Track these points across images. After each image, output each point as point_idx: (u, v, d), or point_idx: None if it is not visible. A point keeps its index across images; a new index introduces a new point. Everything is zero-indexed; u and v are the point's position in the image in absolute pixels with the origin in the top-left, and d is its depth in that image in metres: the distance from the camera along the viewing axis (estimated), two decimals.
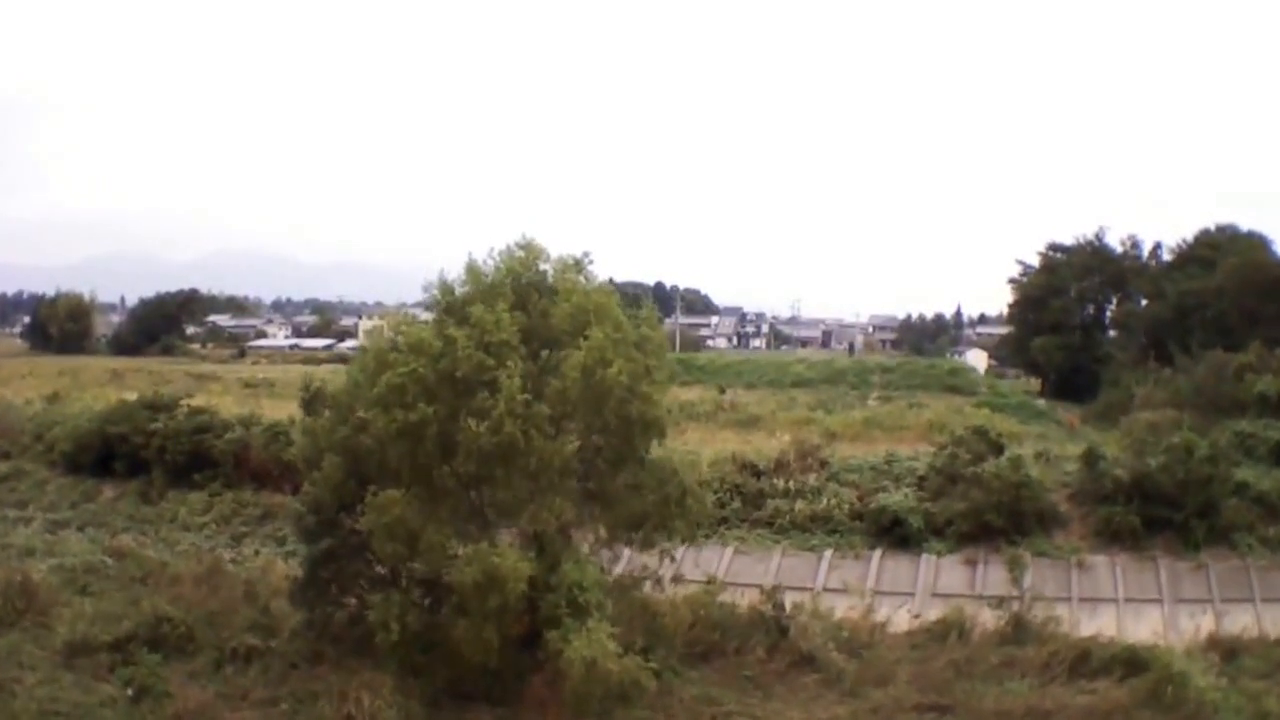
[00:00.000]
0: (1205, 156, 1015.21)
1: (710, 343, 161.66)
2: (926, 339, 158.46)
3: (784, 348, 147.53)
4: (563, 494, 22.88)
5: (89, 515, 43.13)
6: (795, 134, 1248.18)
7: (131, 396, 58.86)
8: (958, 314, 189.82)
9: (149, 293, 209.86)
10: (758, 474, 38.19)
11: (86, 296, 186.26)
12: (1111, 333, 70.70)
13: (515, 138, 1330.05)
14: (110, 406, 47.82)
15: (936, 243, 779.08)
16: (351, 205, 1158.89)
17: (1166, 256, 72.96)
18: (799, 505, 36.28)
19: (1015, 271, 77.99)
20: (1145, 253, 73.45)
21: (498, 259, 24.59)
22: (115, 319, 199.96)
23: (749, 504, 36.95)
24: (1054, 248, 75.41)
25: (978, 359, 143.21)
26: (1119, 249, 73.12)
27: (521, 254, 24.38)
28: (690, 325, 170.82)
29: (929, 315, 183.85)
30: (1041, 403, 63.53)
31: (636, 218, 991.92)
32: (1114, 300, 73.09)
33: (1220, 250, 62.27)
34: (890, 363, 62.07)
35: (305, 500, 26.42)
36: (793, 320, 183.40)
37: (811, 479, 37.57)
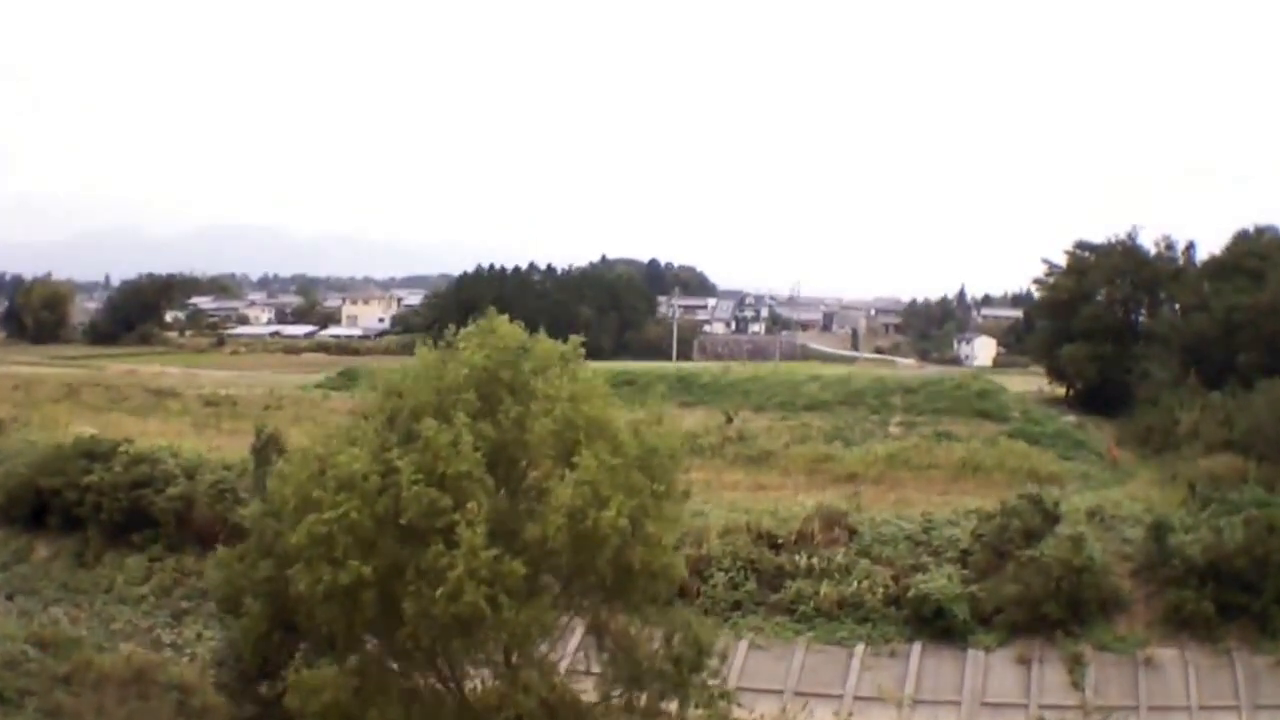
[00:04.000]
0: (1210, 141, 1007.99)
1: (707, 328, 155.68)
2: (932, 324, 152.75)
3: (784, 333, 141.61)
4: (542, 669, 17.65)
5: (19, 579, 39.26)
6: (796, 111, 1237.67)
7: (82, 423, 54.74)
8: (961, 294, 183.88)
9: (137, 268, 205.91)
10: (776, 546, 33.15)
11: (67, 279, 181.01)
12: (1144, 341, 64.90)
13: (510, 108, 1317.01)
14: (44, 454, 42.59)
15: (938, 217, 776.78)
16: (342, 176, 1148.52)
17: (1201, 255, 68.11)
18: (824, 588, 31.57)
19: (1040, 270, 73.07)
20: (1179, 252, 68.05)
21: (456, 341, 19.14)
22: (93, 305, 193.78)
23: (766, 585, 32.33)
24: (1082, 246, 69.84)
25: (986, 347, 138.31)
26: (1152, 250, 67.62)
27: (489, 341, 18.78)
28: (686, 307, 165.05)
29: (933, 297, 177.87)
30: (1072, 419, 58.48)
31: (632, 191, 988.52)
32: (1145, 305, 67.50)
33: (1269, 261, 56.90)
34: (913, 381, 56.52)
35: (226, 645, 21.33)
36: (792, 301, 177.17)
37: (839, 555, 32.56)
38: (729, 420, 50.74)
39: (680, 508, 19.12)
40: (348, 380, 67.44)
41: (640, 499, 17.35)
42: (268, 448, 42.03)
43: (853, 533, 33.71)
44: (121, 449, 42.08)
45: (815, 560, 32.34)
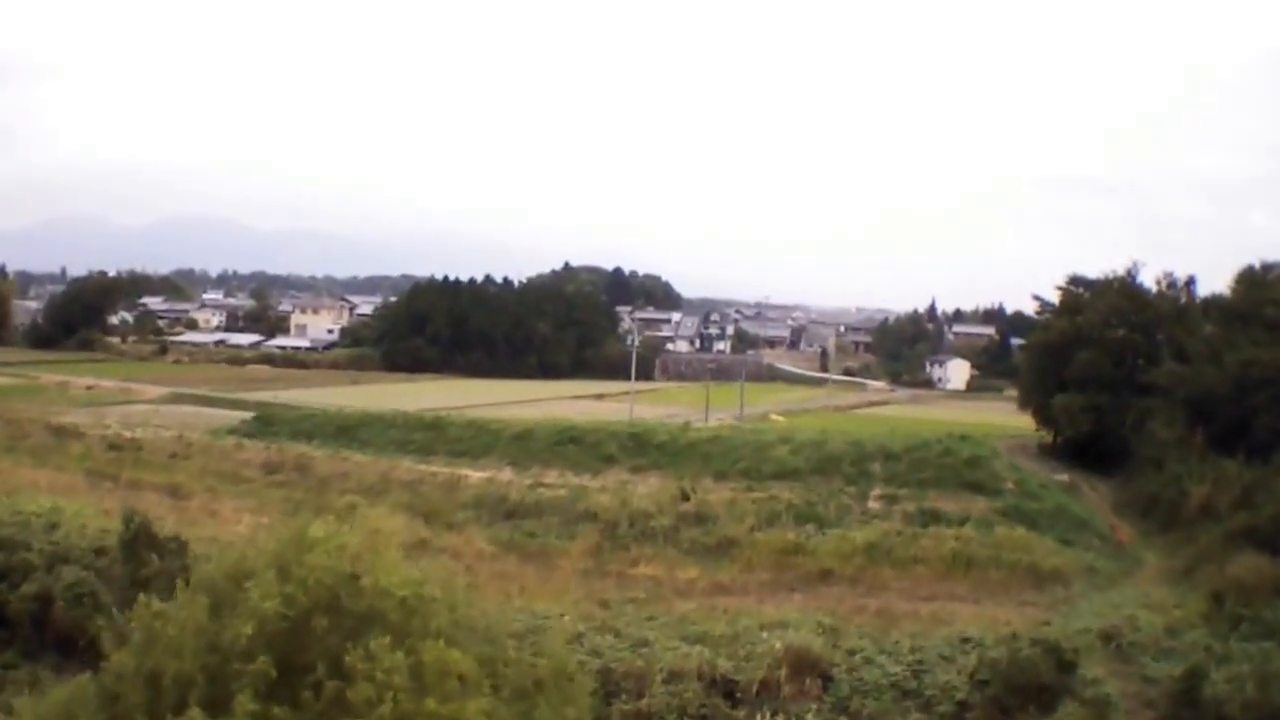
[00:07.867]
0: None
1: (670, 345, 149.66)
2: (904, 344, 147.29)
3: (750, 353, 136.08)
4: None
5: None
6: (768, 117, 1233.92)
7: None
8: (932, 309, 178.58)
9: (100, 259, 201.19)
10: (733, 697, 27.00)
11: (21, 270, 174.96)
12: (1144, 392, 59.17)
13: (480, 108, 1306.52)
14: None
15: (910, 225, 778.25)
16: (309, 172, 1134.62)
17: (1201, 292, 63.03)
18: None
19: (1030, 306, 67.96)
20: (1180, 289, 62.59)
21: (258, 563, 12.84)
22: (36, 304, 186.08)
23: None
24: (1076, 282, 64.21)
25: (959, 370, 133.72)
26: (1153, 288, 62.04)
27: (299, 572, 12.49)
28: (649, 321, 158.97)
29: (904, 309, 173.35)
30: (1065, 478, 53.39)
31: (599, 195, 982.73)
32: (1144, 350, 61.74)
33: None
34: (895, 446, 50.61)
35: None
36: (759, 315, 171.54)
37: (810, 713, 26.40)
38: (685, 497, 44.59)
39: None
40: (264, 426, 61.25)
41: None
42: (137, 541, 36.14)
43: (828, 680, 27.72)
44: None
45: (781, 719, 26.34)
